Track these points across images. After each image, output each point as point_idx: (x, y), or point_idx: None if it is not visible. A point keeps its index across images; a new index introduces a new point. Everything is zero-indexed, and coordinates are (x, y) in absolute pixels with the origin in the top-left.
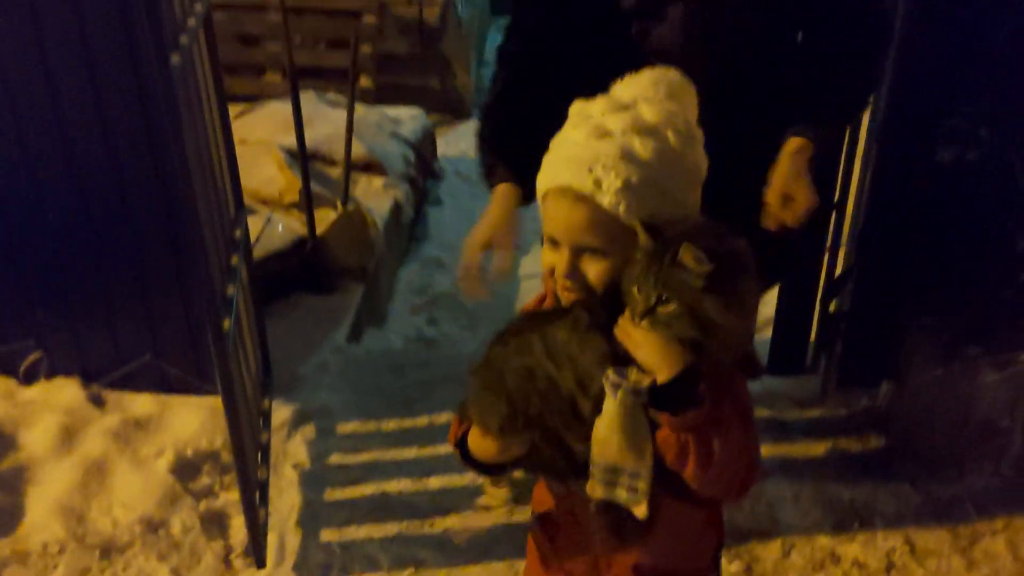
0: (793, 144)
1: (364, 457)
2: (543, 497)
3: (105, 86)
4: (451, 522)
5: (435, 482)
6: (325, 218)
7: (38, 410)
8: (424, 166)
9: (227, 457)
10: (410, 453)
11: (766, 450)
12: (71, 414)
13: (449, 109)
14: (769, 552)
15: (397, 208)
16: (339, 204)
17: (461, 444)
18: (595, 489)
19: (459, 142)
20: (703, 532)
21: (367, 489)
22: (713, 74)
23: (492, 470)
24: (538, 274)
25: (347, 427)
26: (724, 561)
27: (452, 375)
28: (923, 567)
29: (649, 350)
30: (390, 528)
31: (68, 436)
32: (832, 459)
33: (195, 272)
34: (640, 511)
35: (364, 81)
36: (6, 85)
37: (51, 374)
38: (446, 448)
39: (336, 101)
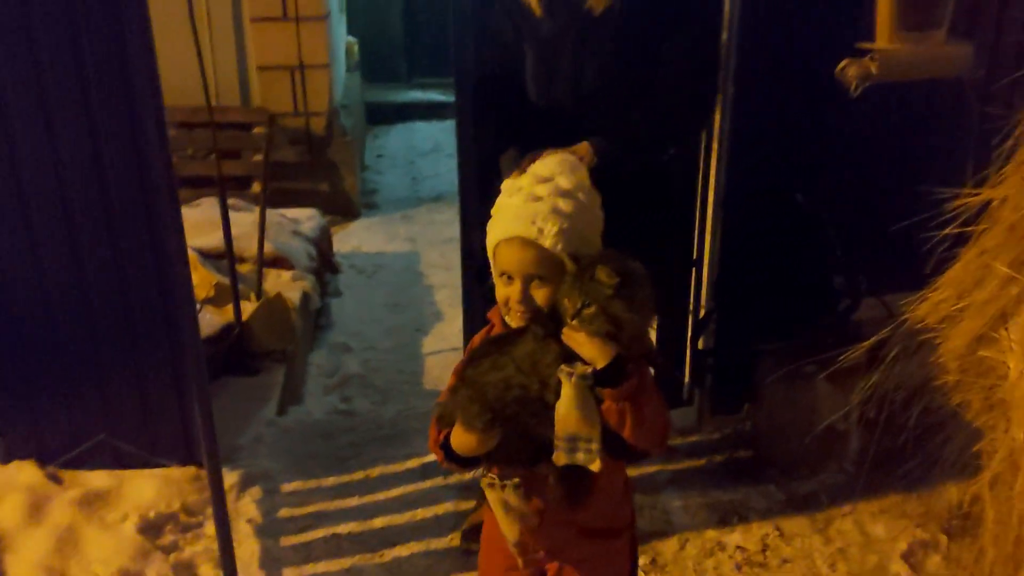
0: None
1: (310, 508)
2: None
3: (75, 191)
4: (399, 552)
5: (379, 522)
6: (244, 308)
7: (3, 490)
8: (324, 261)
9: (185, 517)
10: (352, 502)
11: (658, 468)
12: (33, 491)
13: (339, 211)
14: (668, 547)
15: (306, 298)
16: (252, 296)
17: (444, 446)
18: (560, 457)
19: (351, 239)
20: (623, 498)
21: (319, 533)
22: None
23: (469, 463)
24: (440, 351)
25: (290, 486)
26: None
27: (378, 436)
28: (790, 546)
29: (589, 347)
30: (345, 562)
31: (35, 509)
32: (712, 471)
33: (185, 355)
34: (595, 466)
35: (257, 187)
36: None
37: (8, 458)
38: (384, 494)
39: (234, 205)
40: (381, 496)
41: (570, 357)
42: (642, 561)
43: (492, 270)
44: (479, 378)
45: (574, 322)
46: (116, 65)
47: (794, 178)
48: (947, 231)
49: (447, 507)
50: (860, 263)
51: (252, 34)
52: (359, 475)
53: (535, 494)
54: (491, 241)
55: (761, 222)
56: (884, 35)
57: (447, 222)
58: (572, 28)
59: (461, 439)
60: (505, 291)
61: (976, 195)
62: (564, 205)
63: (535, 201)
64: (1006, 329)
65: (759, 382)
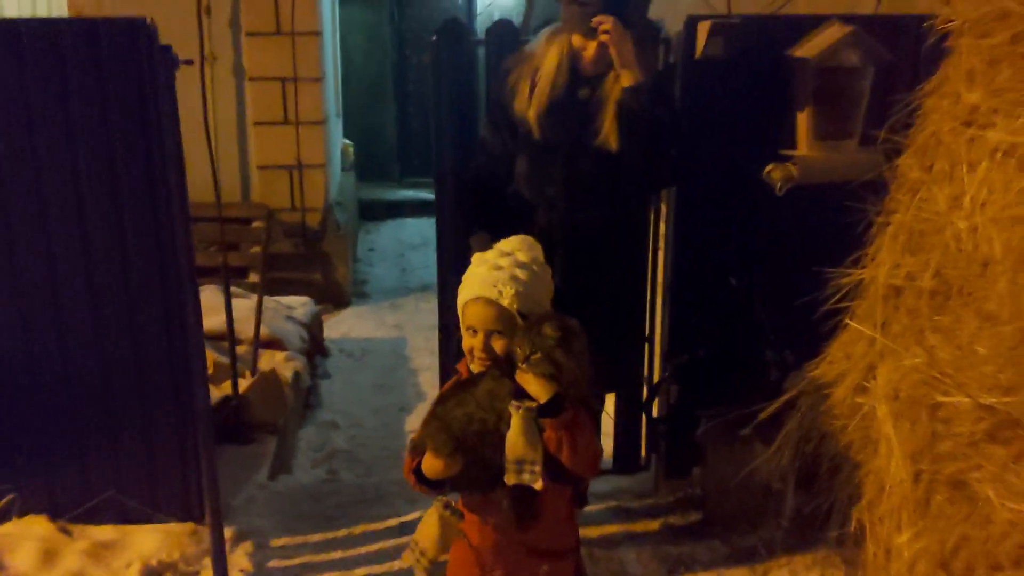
0: None
1: (298, 560)
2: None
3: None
4: None
5: (361, 572)
6: (240, 383)
7: (15, 540)
8: (315, 344)
9: (183, 566)
10: (336, 555)
11: (617, 528)
12: (45, 541)
13: (331, 299)
14: None
15: (297, 376)
16: (248, 373)
17: (416, 471)
18: (510, 477)
19: (341, 326)
20: (567, 524)
21: None
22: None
23: (436, 486)
24: None
25: (279, 541)
26: None
27: (361, 500)
28: None
29: (534, 386)
30: None
31: (48, 557)
32: (664, 530)
33: (191, 423)
34: (538, 485)
35: (254, 276)
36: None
37: (22, 513)
38: (366, 548)
39: (233, 292)
40: (363, 550)
41: (520, 395)
42: None
43: (460, 324)
44: (446, 414)
45: (523, 365)
46: (144, 167)
47: (730, 266)
48: (837, 305)
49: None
50: (787, 338)
51: (254, 136)
52: (343, 532)
53: (490, 517)
54: (460, 301)
55: (703, 305)
56: (803, 144)
57: (433, 310)
58: (565, 143)
59: (430, 464)
60: (470, 341)
61: (853, 274)
62: (520, 274)
63: (497, 270)
64: (874, 378)
65: (705, 447)
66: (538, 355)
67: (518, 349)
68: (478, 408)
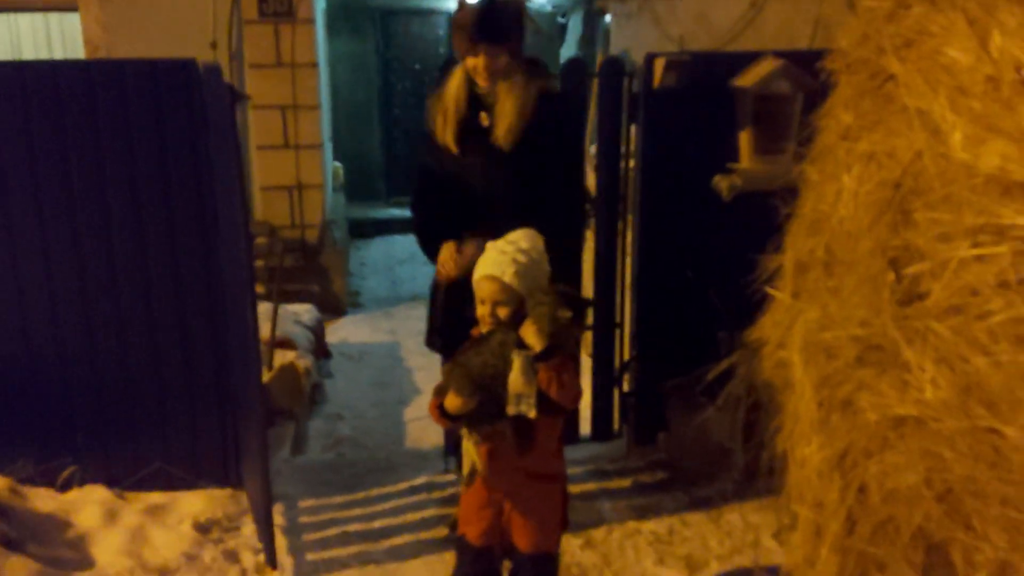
0: None
1: (324, 517)
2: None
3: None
4: (395, 542)
5: (379, 523)
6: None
7: (79, 504)
8: (319, 346)
9: (227, 522)
10: (357, 512)
11: (594, 486)
12: (105, 504)
13: (329, 308)
14: (599, 533)
15: (307, 371)
16: (265, 369)
17: (440, 408)
18: (511, 408)
19: (339, 332)
20: (557, 455)
21: (331, 532)
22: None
23: (456, 420)
24: (419, 418)
25: (306, 503)
26: (571, 539)
27: (374, 469)
28: (690, 531)
29: (533, 338)
30: (353, 549)
31: (110, 516)
32: (635, 486)
33: (234, 402)
34: (532, 414)
35: (260, 287)
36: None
37: (82, 483)
38: (382, 506)
39: None
40: (380, 507)
41: (522, 345)
42: (577, 543)
43: (475, 298)
44: (467, 361)
45: (528, 321)
46: (195, 186)
47: (686, 260)
48: (768, 284)
49: (431, 512)
50: (737, 319)
51: (257, 160)
52: (361, 495)
53: (496, 446)
54: (474, 278)
55: (665, 293)
56: (746, 158)
57: (423, 317)
58: (481, 159)
59: (452, 402)
60: (481, 310)
61: (775, 259)
62: (520, 258)
63: (502, 254)
64: (790, 335)
65: (669, 417)
66: (541, 311)
67: (532, 302)
68: (491, 356)
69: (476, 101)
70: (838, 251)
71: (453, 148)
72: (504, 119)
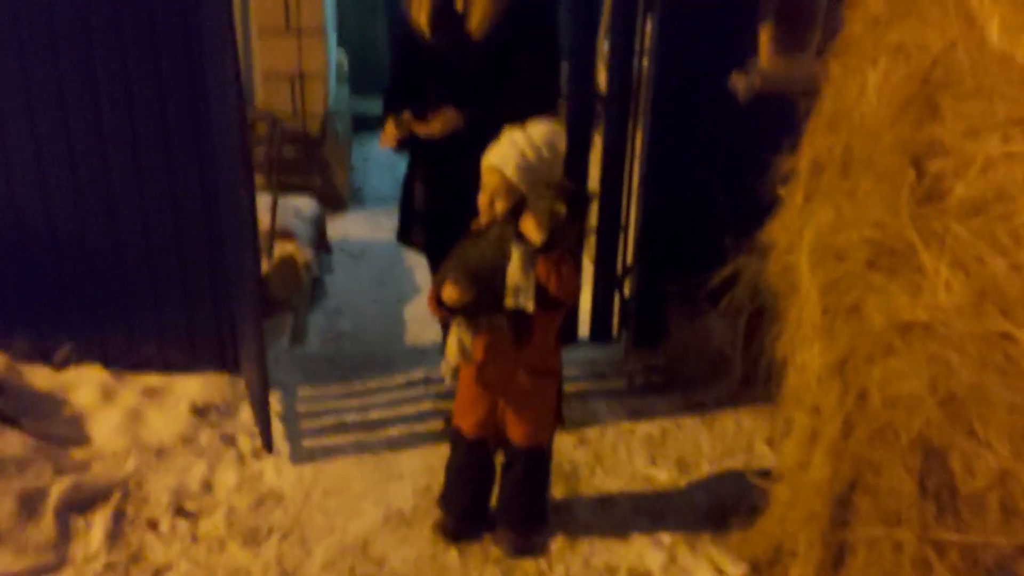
0: None
1: (321, 406)
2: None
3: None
4: (391, 432)
5: (376, 414)
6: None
7: (77, 383)
8: (320, 240)
9: (224, 406)
10: (354, 402)
11: (590, 386)
12: (102, 385)
13: (329, 203)
14: (593, 432)
15: (308, 264)
16: (264, 259)
17: (438, 299)
18: (509, 301)
19: (340, 228)
20: (553, 351)
21: (328, 421)
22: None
23: (453, 311)
24: (418, 316)
25: (304, 392)
26: (565, 436)
27: (371, 362)
28: (683, 433)
29: (532, 232)
30: (349, 437)
31: (106, 396)
32: (631, 390)
33: (227, 287)
34: (529, 307)
35: (259, 179)
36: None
37: (78, 361)
38: (379, 398)
39: None
40: (376, 399)
41: (520, 236)
42: (571, 441)
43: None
44: (464, 253)
45: (528, 212)
46: (186, 61)
47: (696, 162)
48: (780, 187)
49: (426, 405)
50: (744, 225)
51: (258, 45)
52: (358, 386)
53: (493, 337)
54: (483, 165)
55: (671, 196)
56: (765, 57)
57: None
58: (453, 45)
59: (449, 293)
60: (482, 198)
61: (790, 160)
62: (529, 153)
63: (512, 146)
64: (800, 238)
65: (669, 322)
66: (541, 204)
67: (534, 195)
68: (489, 247)
69: None
70: (857, 149)
71: (426, 32)
72: (478, 5)
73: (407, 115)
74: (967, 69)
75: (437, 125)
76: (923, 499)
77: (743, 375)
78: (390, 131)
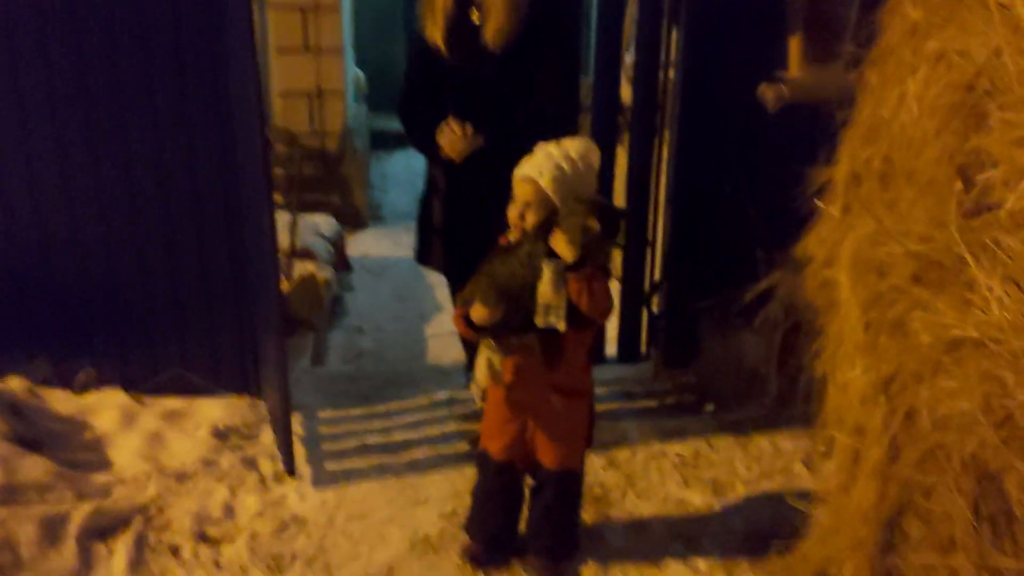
0: None
1: (343, 428)
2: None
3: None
4: (415, 455)
5: (398, 436)
6: (283, 286)
7: (97, 407)
8: (340, 258)
9: (245, 429)
10: (376, 424)
11: (620, 406)
12: (124, 409)
13: (349, 221)
14: (623, 454)
15: (328, 283)
16: (284, 279)
17: (466, 318)
18: (539, 320)
19: (360, 245)
20: (584, 370)
21: (350, 443)
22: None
23: (482, 331)
24: (440, 334)
25: (325, 413)
26: (594, 458)
27: (393, 382)
28: (717, 454)
29: (563, 248)
30: (373, 460)
31: (127, 420)
32: (661, 408)
33: (251, 310)
34: (561, 326)
35: (278, 198)
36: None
37: (99, 385)
38: (401, 420)
39: None
40: (399, 421)
41: (552, 253)
42: (601, 463)
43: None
44: (493, 271)
45: (558, 228)
46: (212, 85)
47: (725, 175)
48: (814, 200)
49: (451, 426)
50: (777, 239)
51: (276, 64)
52: (381, 407)
53: (523, 358)
54: (515, 176)
55: (700, 210)
56: (795, 66)
57: None
58: (471, 60)
59: (478, 312)
60: (512, 211)
61: (826, 171)
62: (565, 165)
63: (547, 158)
64: (838, 253)
65: (701, 339)
66: (573, 220)
67: (565, 210)
68: (519, 265)
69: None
70: (898, 160)
71: (443, 49)
72: (494, 16)
73: (468, 128)
74: (1014, 77)
75: (460, 147)
76: (978, 524)
77: (778, 394)
78: (456, 142)
